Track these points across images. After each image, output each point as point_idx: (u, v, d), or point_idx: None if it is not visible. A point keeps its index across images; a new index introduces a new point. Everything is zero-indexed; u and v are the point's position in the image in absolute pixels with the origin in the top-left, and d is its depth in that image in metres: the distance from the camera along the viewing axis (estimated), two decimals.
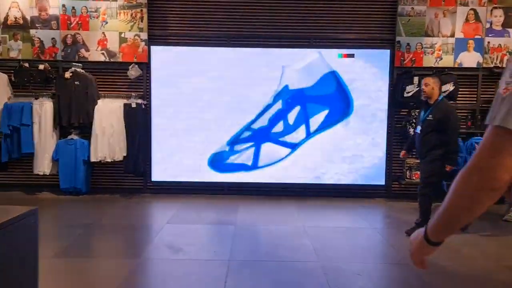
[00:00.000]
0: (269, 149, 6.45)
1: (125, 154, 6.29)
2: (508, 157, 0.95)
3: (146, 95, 6.51)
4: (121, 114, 6.28)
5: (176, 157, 6.51)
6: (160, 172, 6.53)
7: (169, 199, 6.36)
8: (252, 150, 6.47)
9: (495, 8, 6.40)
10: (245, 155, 6.49)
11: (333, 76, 6.38)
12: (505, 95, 0.96)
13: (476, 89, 6.53)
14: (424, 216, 4.64)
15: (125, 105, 6.33)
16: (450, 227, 1.14)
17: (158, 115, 6.48)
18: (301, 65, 6.31)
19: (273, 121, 6.41)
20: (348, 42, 6.51)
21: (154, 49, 6.45)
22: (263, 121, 6.42)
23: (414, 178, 6.41)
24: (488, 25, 6.42)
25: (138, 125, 6.36)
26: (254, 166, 6.48)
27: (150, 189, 6.66)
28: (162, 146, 6.51)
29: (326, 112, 6.39)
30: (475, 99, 6.54)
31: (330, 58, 6.38)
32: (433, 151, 4.59)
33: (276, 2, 6.48)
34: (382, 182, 6.51)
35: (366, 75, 6.42)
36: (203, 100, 6.45)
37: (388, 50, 6.44)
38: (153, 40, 6.47)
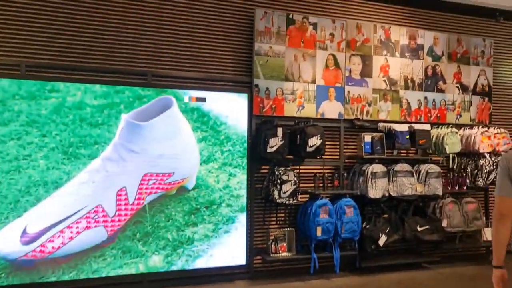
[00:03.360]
0: None
1: None
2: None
3: None
4: None
5: None
6: None
7: None
8: None
9: (353, 55, 5.86)
10: None
11: None
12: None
13: (338, 143, 5.79)
14: None
15: None
16: (497, 250, 2.40)
17: None
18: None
19: None
20: (197, 83, 5.14)
21: None
22: None
23: (280, 251, 5.20)
24: (347, 73, 5.82)
25: None
26: None
27: None
28: None
29: None
30: (338, 154, 5.78)
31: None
32: None
33: (102, 28, 4.77)
34: (243, 261, 5.10)
35: (218, 122, 5.08)
36: None
37: (246, 94, 5.27)
38: None
